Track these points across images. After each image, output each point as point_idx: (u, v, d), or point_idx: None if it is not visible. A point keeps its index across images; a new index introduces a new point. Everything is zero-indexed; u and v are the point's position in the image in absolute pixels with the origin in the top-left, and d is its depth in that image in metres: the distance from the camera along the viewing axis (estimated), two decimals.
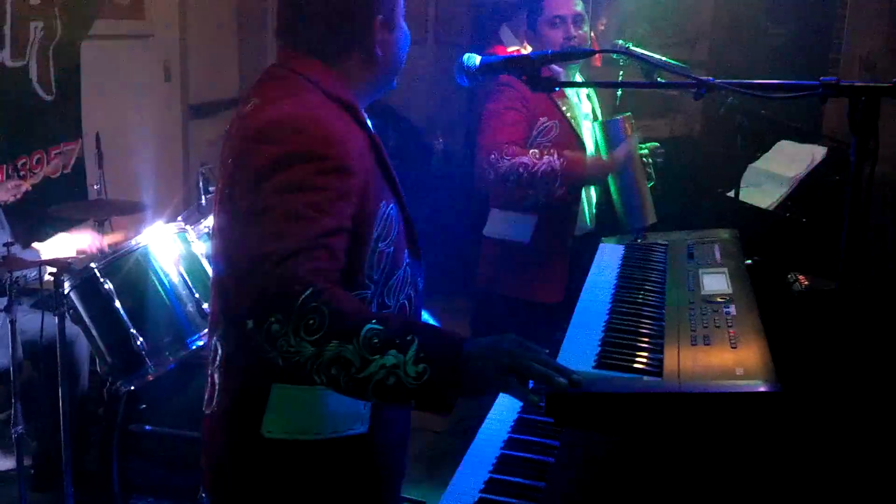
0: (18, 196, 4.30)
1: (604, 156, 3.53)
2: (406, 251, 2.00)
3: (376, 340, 1.55)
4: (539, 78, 1.98)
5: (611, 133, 3.50)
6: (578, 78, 3.73)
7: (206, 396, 2.06)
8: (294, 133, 1.75)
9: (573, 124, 3.60)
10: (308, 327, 1.56)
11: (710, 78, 1.77)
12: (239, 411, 1.93)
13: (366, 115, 1.96)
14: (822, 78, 1.66)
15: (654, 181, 3.64)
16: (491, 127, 3.56)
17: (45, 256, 3.82)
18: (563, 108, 3.60)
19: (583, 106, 3.74)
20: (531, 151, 3.46)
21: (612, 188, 3.55)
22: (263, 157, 1.75)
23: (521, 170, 3.41)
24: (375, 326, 1.57)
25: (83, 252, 4.03)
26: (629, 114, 3.58)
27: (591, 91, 3.82)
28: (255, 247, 1.66)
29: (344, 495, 1.96)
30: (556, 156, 3.42)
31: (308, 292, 1.57)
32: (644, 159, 3.59)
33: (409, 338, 1.56)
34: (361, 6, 1.91)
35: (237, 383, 1.95)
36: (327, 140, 1.76)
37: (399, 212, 1.97)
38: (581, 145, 3.60)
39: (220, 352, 1.98)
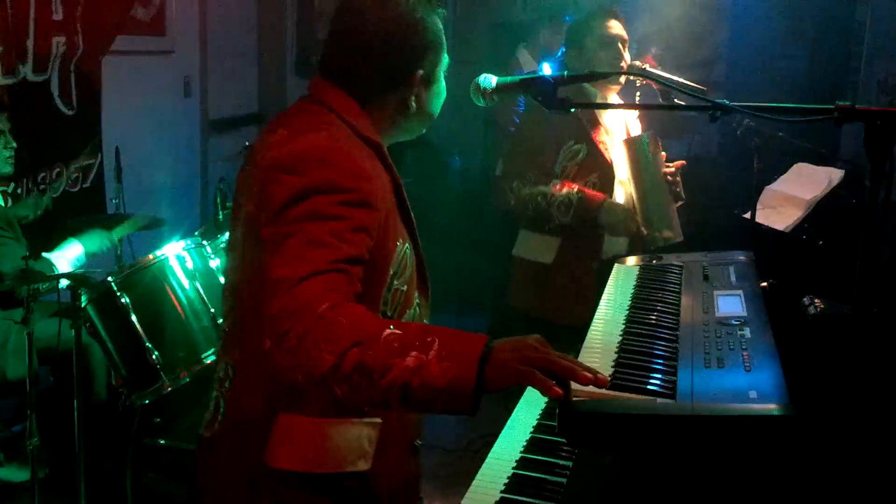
0: (39, 213, 4.34)
1: (626, 175, 3.53)
2: (417, 291, 2.03)
3: (396, 344, 1.54)
4: (555, 99, 1.98)
5: (633, 151, 3.50)
6: (616, 101, 3.72)
7: (207, 418, 2.05)
8: (320, 165, 1.77)
9: (602, 148, 3.58)
10: (327, 337, 1.55)
11: (726, 101, 1.78)
12: (244, 438, 1.93)
13: (388, 158, 1.98)
14: (837, 102, 1.66)
15: (683, 200, 3.62)
16: (516, 153, 3.60)
17: (57, 264, 3.85)
18: (593, 132, 3.58)
19: (619, 128, 3.72)
20: (552, 182, 3.48)
21: (638, 206, 3.54)
22: (288, 188, 1.76)
23: (539, 198, 3.45)
24: (395, 331, 1.55)
25: (93, 254, 4.06)
26: (652, 131, 3.57)
27: (630, 113, 3.80)
28: (274, 271, 1.67)
29: None
30: (575, 189, 3.45)
31: (325, 305, 1.58)
32: (669, 178, 3.57)
33: (429, 339, 1.54)
34: (408, 59, 1.96)
35: (245, 410, 1.94)
36: (352, 174, 1.78)
37: (413, 253, 2.00)
38: (609, 170, 3.58)
39: (230, 376, 1.99)
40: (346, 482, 1.92)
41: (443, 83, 2.05)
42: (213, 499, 2.01)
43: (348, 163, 1.79)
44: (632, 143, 3.52)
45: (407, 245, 1.96)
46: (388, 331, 1.55)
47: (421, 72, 1.97)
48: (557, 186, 3.47)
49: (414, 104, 1.99)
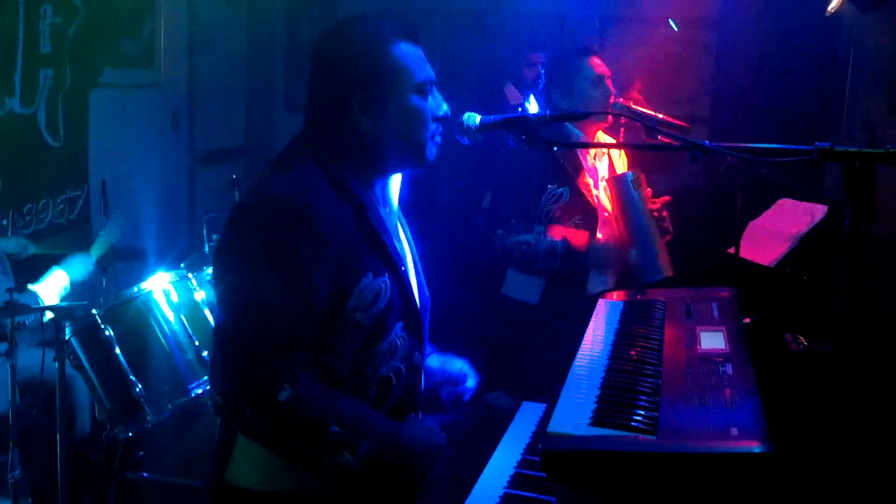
0: (24, 255, 4.33)
1: (613, 212, 3.56)
2: (399, 325, 2.03)
3: (333, 444, 1.80)
4: (538, 138, 2.00)
5: (618, 189, 3.52)
6: (603, 139, 3.75)
7: None
8: (269, 214, 1.85)
9: (584, 190, 3.60)
10: (279, 427, 1.79)
11: (706, 141, 1.80)
12: (215, 457, 2.01)
13: (361, 189, 1.99)
14: (816, 143, 1.68)
15: (671, 234, 3.65)
16: (499, 200, 3.61)
17: (42, 296, 3.84)
18: (575, 175, 3.61)
19: (603, 167, 3.75)
20: (536, 229, 3.50)
21: (629, 242, 3.56)
22: (244, 230, 1.88)
23: (524, 247, 3.48)
24: (332, 431, 1.80)
25: (77, 283, 4.05)
26: (636, 170, 3.60)
27: (614, 152, 3.82)
28: (231, 328, 1.82)
29: None
30: (559, 236, 3.47)
31: (285, 396, 1.75)
32: (656, 213, 3.60)
33: (360, 442, 1.83)
34: (337, 80, 1.99)
35: (219, 430, 2.03)
36: (303, 221, 1.83)
37: (395, 286, 2.00)
38: (592, 211, 3.60)
39: None
40: (308, 500, 1.95)
41: (415, 101, 2.01)
42: None
43: (300, 208, 1.84)
44: (617, 181, 3.54)
45: (382, 278, 1.96)
46: (330, 430, 1.80)
47: (360, 93, 1.97)
48: (542, 234, 3.49)
49: (368, 129, 1.98)
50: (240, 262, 1.86)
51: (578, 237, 3.52)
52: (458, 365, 2.38)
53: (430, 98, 2.03)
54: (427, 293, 2.18)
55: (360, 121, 1.97)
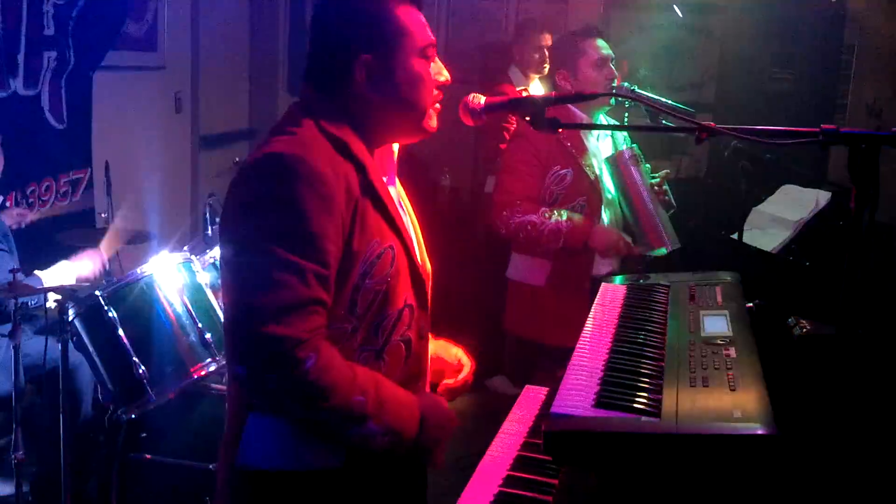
0: (22, 225, 4.34)
1: (613, 192, 3.57)
2: (408, 293, 2.01)
3: (357, 413, 1.80)
4: (543, 119, 1.99)
5: (616, 166, 3.53)
6: (604, 120, 3.75)
7: None
8: (274, 172, 1.81)
9: (587, 171, 3.61)
10: (303, 397, 1.76)
11: (711, 123, 1.79)
12: (228, 439, 1.97)
13: (362, 153, 1.95)
14: (822, 125, 1.67)
15: (674, 208, 3.65)
16: (504, 182, 3.63)
17: (47, 284, 3.84)
18: (578, 156, 3.61)
19: (605, 149, 3.75)
20: (541, 210, 3.50)
21: (630, 221, 3.57)
22: (248, 193, 1.84)
23: (529, 227, 3.49)
24: (357, 400, 1.79)
25: (85, 279, 4.06)
26: (633, 146, 3.60)
27: (615, 133, 3.82)
28: (246, 295, 1.77)
29: None
30: (564, 217, 3.47)
31: (307, 363, 1.72)
32: (656, 187, 3.60)
33: (383, 411, 1.83)
34: (341, 44, 1.95)
35: (230, 411, 2.01)
36: (307, 179, 1.79)
37: (402, 254, 1.98)
38: (596, 193, 3.61)
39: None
40: (321, 480, 1.93)
41: (418, 66, 1.98)
42: (218, 500, 2.05)
43: (306, 168, 1.80)
44: (616, 159, 3.56)
45: (389, 246, 1.95)
46: (353, 399, 1.79)
47: (367, 56, 1.93)
48: (546, 215, 3.49)
49: (372, 92, 1.95)
50: (247, 224, 1.81)
51: (582, 218, 3.53)
52: (454, 351, 2.36)
53: (431, 64, 2.02)
54: (429, 266, 2.16)
55: (364, 85, 1.95)
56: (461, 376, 2.31)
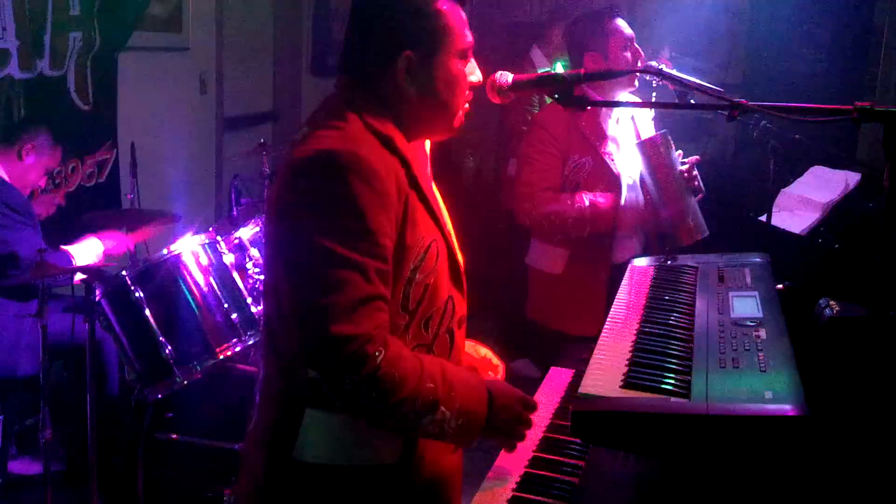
0: (52, 210, 4.36)
1: (635, 178, 3.53)
2: (449, 285, 2.02)
3: (430, 400, 1.80)
4: (571, 97, 1.98)
5: (649, 152, 3.48)
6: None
7: (252, 414, 2.11)
8: (329, 169, 1.79)
9: (608, 160, 3.56)
10: (380, 392, 1.74)
11: (744, 100, 1.77)
12: (274, 433, 1.95)
13: (405, 149, 1.94)
14: (855, 102, 1.64)
15: (703, 193, 3.61)
16: (524, 173, 3.59)
17: (75, 258, 3.86)
18: (597, 144, 3.57)
19: (625, 135, 3.70)
20: (562, 197, 3.47)
21: (659, 207, 3.52)
22: (302, 190, 1.81)
23: (553, 217, 3.45)
24: (429, 387, 1.80)
25: (111, 254, 4.08)
26: (665, 131, 3.55)
27: (636, 113, 3.77)
28: (307, 294, 1.76)
29: None
30: (587, 203, 3.44)
31: (378, 360, 1.72)
32: (686, 174, 3.55)
33: (453, 394, 1.83)
34: (385, 38, 1.93)
35: (274, 405, 1.97)
36: (362, 175, 1.78)
37: (444, 246, 1.99)
38: (615, 180, 3.56)
39: (261, 371, 2.03)
40: (377, 475, 1.92)
41: (459, 68, 1.97)
42: (252, 494, 2.02)
43: (358, 164, 1.79)
44: (649, 144, 3.50)
45: (434, 239, 1.95)
46: (425, 386, 1.80)
47: (410, 53, 1.91)
48: (568, 202, 3.46)
49: (411, 89, 1.94)
50: (305, 223, 1.79)
51: (606, 200, 3.49)
52: (483, 352, 2.36)
53: (467, 64, 2.00)
54: (460, 255, 2.16)
55: (403, 81, 1.93)
56: (497, 377, 2.31)
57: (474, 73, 2.02)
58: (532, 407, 2.01)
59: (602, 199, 3.49)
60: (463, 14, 1.98)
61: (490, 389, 1.93)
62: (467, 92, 2.01)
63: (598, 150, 3.55)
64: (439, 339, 1.99)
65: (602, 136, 3.57)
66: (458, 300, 2.05)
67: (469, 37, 1.98)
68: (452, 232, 2.10)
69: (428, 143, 2.15)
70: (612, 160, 3.57)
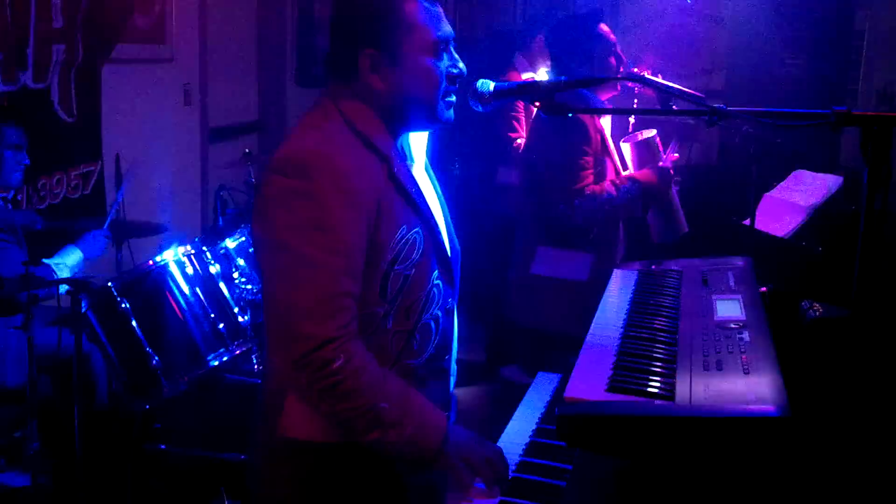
0: (35, 228, 4.34)
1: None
2: (435, 274, 2.05)
3: (380, 418, 1.85)
4: (553, 104, 1.99)
5: (642, 152, 3.52)
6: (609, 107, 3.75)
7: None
8: (297, 169, 1.85)
9: (606, 153, 3.60)
10: (330, 395, 1.82)
11: (723, 105, 1.79)
12: (264, 412, 2.04)
13: (386, 144, 1.99)
14: (833, 107, 1.66)
15: (678, 182, 3.68)
16: (567, 170, 3.55)
17: (57, 270, 3.85)
18: (599, 139, 3.59)
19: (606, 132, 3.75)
20: (604, 187, 3.48)
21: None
22: (274, 188, 1.88)
23: (606, 206, 3.46)
24: (382, 407, 1.85)
25: (91, 259, 4.07)
26: (655, 131, 3.61)
27: (607, 121, 3.81)
28: (278, 291, 1.85)
29: (363, 501, 2.02)
30: (629, 184, 3.48)
31: (336, 363, 1.79)
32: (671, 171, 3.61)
33: (405, 421, 1.87)
34: (348, 37, 1.99)
35: (266, 385, 2.08)
36: (329, 174, 1.84)
37: (428, 237, 2.02)
38: (616, 173, 3.61)
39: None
40: (352, 452, 1.96)
41: (422, 66, 1.98)
42: (251, 470, 2.12)
43: (331, 163, 1.85)
44: (645, 145, 3.55)
45: (416, 230, 1.98)
46: (379, 406, 1.84)
47: (372, 50, 1.95)
48: (615, 185, 3.48)
49: (379, 85, 1.97)
50: (273, 220, 1.87)
51: (641, 174, 3.54)
52: None
53: (444, 56, 2.01)
54: (457, 244, 2.19)
55: (373, 78, 1.97)
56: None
57: (454, 66, 2.04)
58: (498, 463, 1.97)
59: (638, 175, 3.53)
60: (433, 8, 2.01)
61: (451, 432, 1.95)
62: (445, 84, 2.03)
63: (600, 145, 3.59)
64: (421, 326, 2.03)
65: (600, 131, 3.63)
66: (445, 287, 2.09)
67: (441, 30, 2.00)
68: (444, 222, 2.13)
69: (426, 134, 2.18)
70: (612, 155, 3.63)
